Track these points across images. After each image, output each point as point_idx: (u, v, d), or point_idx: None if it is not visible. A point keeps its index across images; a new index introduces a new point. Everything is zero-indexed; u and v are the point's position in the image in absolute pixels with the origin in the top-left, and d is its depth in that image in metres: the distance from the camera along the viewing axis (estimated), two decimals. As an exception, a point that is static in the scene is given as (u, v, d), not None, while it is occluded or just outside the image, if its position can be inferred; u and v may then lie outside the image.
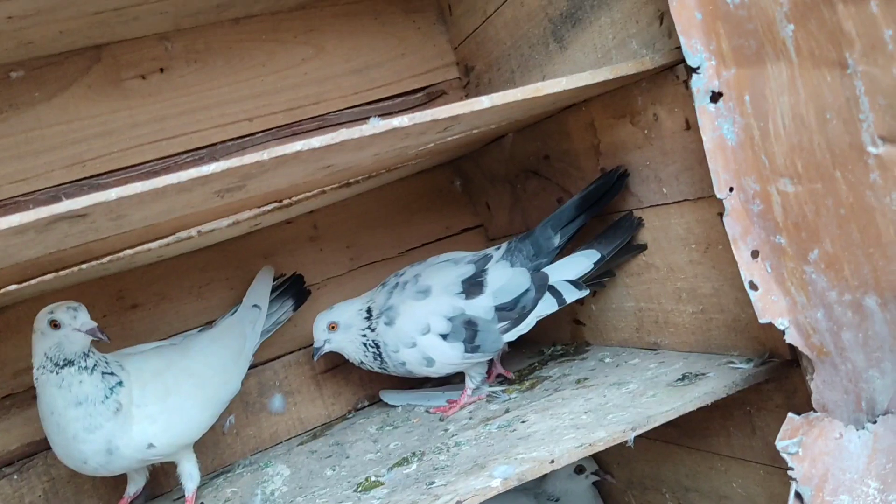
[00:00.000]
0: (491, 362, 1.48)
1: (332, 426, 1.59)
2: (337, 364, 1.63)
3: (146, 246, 1.21)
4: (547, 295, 1.33)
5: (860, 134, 0.82)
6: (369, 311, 1.42)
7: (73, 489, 1.42)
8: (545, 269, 1.35)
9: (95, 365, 1.17)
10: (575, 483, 1.59)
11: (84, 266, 1.19)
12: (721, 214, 1.01)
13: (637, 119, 1.25)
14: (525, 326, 1.34)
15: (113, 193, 0.82)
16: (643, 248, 1.32)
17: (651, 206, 1.29)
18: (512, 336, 1.35)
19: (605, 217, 1.38)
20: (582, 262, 1.33)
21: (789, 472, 0.95)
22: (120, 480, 1.36)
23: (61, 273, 1.20)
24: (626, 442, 1.05)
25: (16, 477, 1.39)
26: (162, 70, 1.53)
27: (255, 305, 1.48)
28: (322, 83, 1.65)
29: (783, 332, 0.98)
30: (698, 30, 0.97)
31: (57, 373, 1.14)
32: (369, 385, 1.67)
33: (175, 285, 1.53)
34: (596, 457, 1.60)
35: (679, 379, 1.17)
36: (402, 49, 1.72)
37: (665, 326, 1.33)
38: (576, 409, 1.19)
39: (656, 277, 1.32)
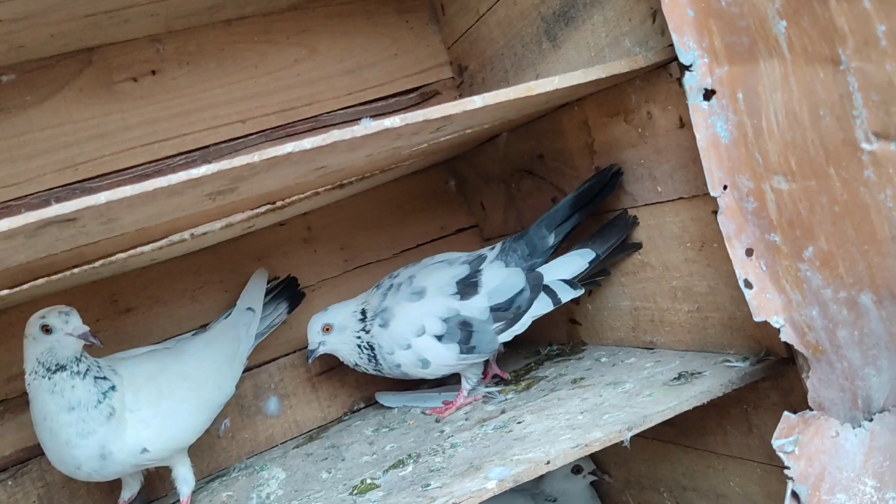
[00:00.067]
0: (487, 363, 1.48)
1: (328, 428, 1.58)
2: (333, 366, 1.63)
3: (138, 249, 1.20)
4: (542, 295, 1.32)
5: (854, 130, 0.81)
6: (364, 312, 1.42)
7: (68, 494, 1.41)
8: (540, 269, 1.34)
9: (88, 369, 1.16)
10: (572, 483, 1.59)
11: (76, 270, 1.19)
12: (716, 212, 1.00)
13: (631, 117, 1.25)
14: (520, 327, 1.34)
15: (102, 197, 0.81)
16: (638, 246, 1.32)
17: (646, 205, 1.28)
18: (507, 336, 1.34)
19: (600, 216, 1.38)
20: (577, 261, 1.33)
21: (786, 471, 0.94)
22: (115, 486, 1.35)
23: (53, 277, 1.19)
24: (622, 442, 1.05)
25: (10, 483, 1.38)
26: (154, 72, 1.53)
27: (249, 308, 1.47)
28: (315, 84, 1.65)
29: (778, 331, 0.98)
30: (691, 27, 0.97)
31: (49, 378, 1.14)
32: (365, 387, 1.66)
33: (169, 289, 1.53)
34: (593, 456, 1.60)
35: (675, 378, 1.17)
36: (395, 49, 1.72)
37: (661, 325, 1.33)
38: (572, 410, 1.18)
39: (652, 276, 1.31)
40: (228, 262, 1.58)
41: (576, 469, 1.57)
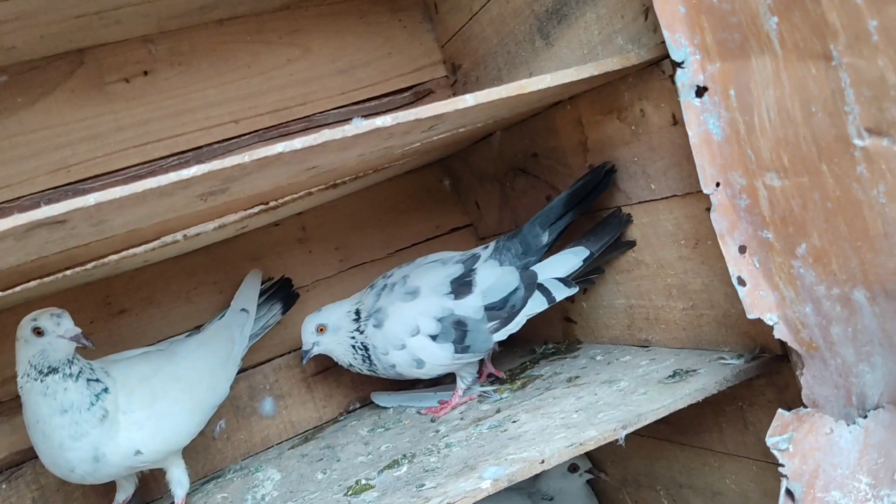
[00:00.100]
0: (482, 362, 1.47)
1: (324, 429, 1.58)
2: (328, 366, 1.62)
3: (131, 251, 1.20)
4: (536, 293, 1.32)
5: (846, 126, 0.81)
6: (358, 313, 1.41)
7: (63, 497, 1.41)
8: (534, 268, 1.34)
9: (80, 372, 1.16)
10: (569, 482, 1.59)
11: (68, 272, 1.18)
12: (709, 209, 1.00)
13: (624, 115, 1.24)
14: (515, 325, 1.33)
15: (91, 199, 0.81)
16: (632, 244, 1.31)
17: (640, 203, 1.28)
18: (502, 335, 1.34)
19: (594, 214, 1.37)
20: (571, 259, 1.32)
21: (780, 469, 0.94)
22: (110, 488, 1.35)
23: (46, 279, 1.19)
24: (617, 440, 1.04)
25: (4, 486, 1.38)
26: (146, 73, 1.52)
27: (243, 309, 1.47)
28: (308, 84, 1.64)
29: (772, 328, 0.97)
30: (682, 24, 0.96)
31: (41, 380, 1.13)
32: (361, 387, 1.66)
33: (163, 290, 1.52)
34: (590, 455, 1.60)
35: (670, 376, 1.16)
36: (388, 48, 1.71)
37: (656, 323, 1.32)
38: (567, 408, 1.18)
39: (646, 274, 1.31)
40: (222, 262, 1.57)
41: (572, 467, 1.57)
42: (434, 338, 1.33)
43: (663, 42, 1.01)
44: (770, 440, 0.96)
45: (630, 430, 1.04)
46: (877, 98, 0.77)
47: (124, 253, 1.19)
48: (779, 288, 0.95)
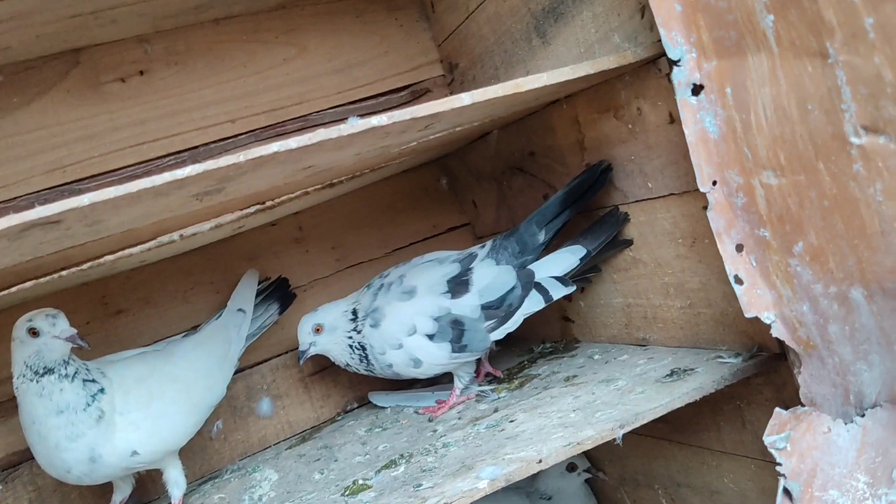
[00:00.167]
0: (479, 361, 1.47)
1: (321, 429, 1.58)
2: (325, 366, 1.62)
3: (127, 251, 1.19)
4: (533, 292, 1.32)
5: (843, 124, 0.81)
6: (355, 312, 1.41)
7: (60, 498, 1.41)
8: (531, 266, 1.34)
9: (76, 372, 1.15)
10: (567, 481, 1.58)
11: (64, 273, 1.18)
12: (706, 208, 1.00)
13: (621, 113, 1.24)
14: (512, 324, 1.33)
15: (86, 199, 0.81)
16: (629, 243, 1.31)
17: (637, 201, 1.28)
18: (499, 335, 1.33)
19: (591, 213, 1.37)
20: (568, 258, 1.32)
21: (777, 468, 0.94)
22: (106, 489, 1.34)
23: (41, 280, 1.19)
24: (614, 440, 1.04)
25: (1, 487, 1.37)
26: (142, 73, 1.52)
27: (239, 309, 1.47)
28: (304, 83, 1.64)
29: (769, 326, 0.97)
30: (678, 22, 0.96)
31: (37, 381, 1.13)
32: (358, 387, 1.65)
33: (159, 290, 1.52)
34: (588, 454, 1.60)
35: (667, 375, 1.16)
36: (384, 47, 1.71)
37: (653, 322, 1.32)
38: (564, 408, 1.18)
39: (644, 273, 1.31)
40: (219, 262, 1.57)
41: (570, 467, 1.57)
42: (431, 337, 1.33)
43: (660, 40, 1.00)
44: (767, 439, 0.96)
45: (628, 429, 1.04)
46: (873, 96, 0.77)
47: (120, 253, 1.19)
48: (776, 286, 0.95)
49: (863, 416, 0.91)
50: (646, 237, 1.28)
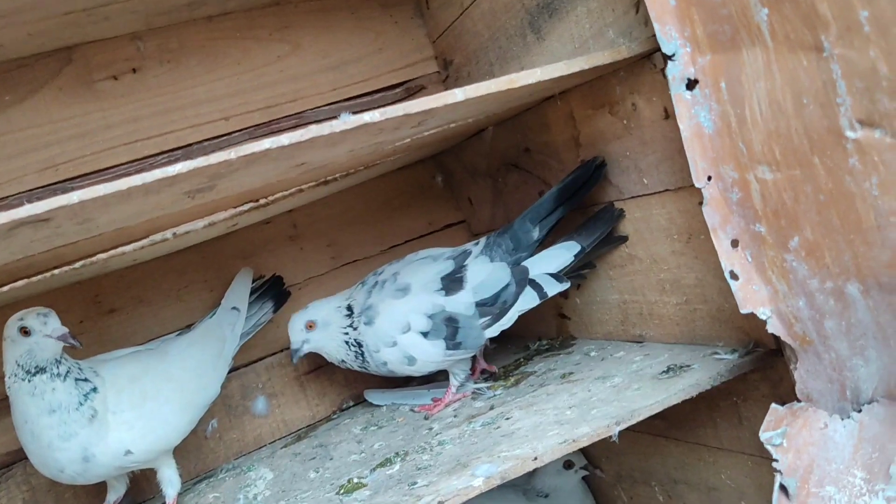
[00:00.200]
0: (474, 358, 1.46)
1: (317, 427, 1.57)
2: (320, 365, 1.61)
3: (119, 250, 1.19)
4: (528, 289, 1.31)
5: (838, 118, 0.80)
6: (350, 308, 1.40)
7: (54, 498, 1.40)
8: (525, 263, 1.33)
9: (68, 371, 1.15)
10: (564, 478, 1.58)
11: (56, 271, 1.17)
12: (702, 203, 0.99)
13: (616, 109, 1.24)
14: (507, 321, 1.33)
15: (75, 196, 0.80)
16: (624, 239, 1.30)
17: (632, 198, 1.27)
18: (494, 332, 1.33)
19: (587, 210, 1.36)
20: (562, 254, 1.31)
21: (774, 464, 0.93)
22: (101, 488, 1.34)
23: (34, 279, 1.18)
24: (610, 437, 1.04)
25: (-5, 487, 1.37)
26: (135, 70, 1.51)
27: (234, 308, 1.46)
28: (299, 80, 1.63)
29: (765, 322, 0.97)
30: (672, 16, 0.96)
31: (29, 380, 1.12)
32: (354, 385, 1.65)
33: (153, 289, 1.51)
34: (585, 451, 1.59)
35: (664, 371, 1.16)
36: (379, 44, 1.70)
37: (650, 318, 1.32)
38: (560, 405, 1.17)
39: (640, 269, 1.30)
40: (213, 261, 1.57)
41: (567, 464, 1.57)
42: (425, 335, 1.32)
43: (654, 35, 1.00)
44: (764, 435, 0.96)
45: (623, 426, 1.04)
46: (868, 89, 0.77)
47: (112, 252, 1.18)
48: (771, 282, 0.94)
49: (859, 411, 0.91)
50: (641, 233, 1.27)
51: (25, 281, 1.17)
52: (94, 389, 1.17)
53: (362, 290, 1.41)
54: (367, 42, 1.69)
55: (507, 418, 1.20)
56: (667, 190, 1.19)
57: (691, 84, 0.96)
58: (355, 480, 1.16)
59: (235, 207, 1.25)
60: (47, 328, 1.11)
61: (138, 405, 1.20)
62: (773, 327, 0.96)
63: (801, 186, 0.86)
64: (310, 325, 1.40)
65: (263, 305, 1.53)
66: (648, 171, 1.21)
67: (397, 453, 1.22)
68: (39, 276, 1.17)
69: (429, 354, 1.33)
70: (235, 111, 1.58)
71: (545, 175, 1.46)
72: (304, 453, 1.41)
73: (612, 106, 1.24)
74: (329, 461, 1.32)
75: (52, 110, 1.45)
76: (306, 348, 1.42)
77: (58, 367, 1.14)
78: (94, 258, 1.17)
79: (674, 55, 0.97)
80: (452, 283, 1.34)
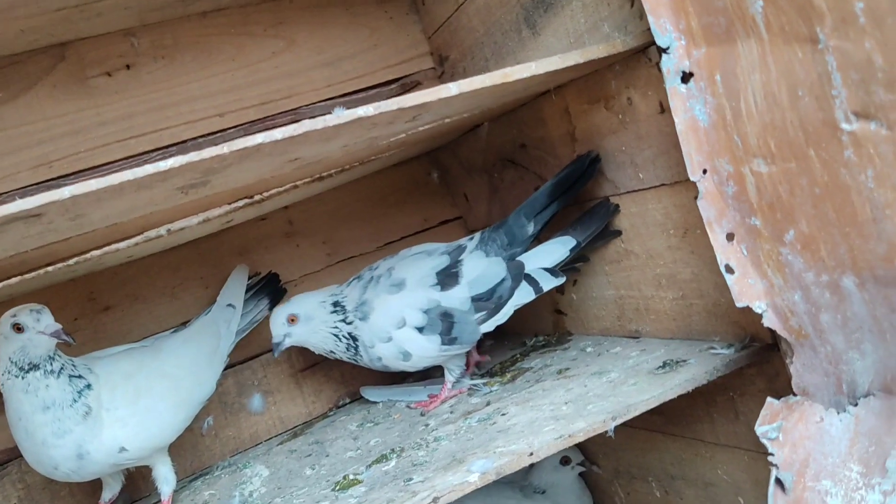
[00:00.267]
0: (468, 353, 1.46)
1: (313, 424, 1.57)
2: (317, 362, 1.61)
3: (113, 246, 1.18)
4: (523, 284, 1.31)
5: (833, 111, 0.80)
6: (336, 304, 1.39)
7: (49, 496, 1.39)
8: (521, 258, 1.33)
9: (62, 368, 1.14)
10: (561, 474, 1.58)
11: (50, 268, 1.17)
12: (697, 198, 0.99)
13: (611, 104, 1.23)
14: (502, 316, 1.32)
15: (66, 192, 0.80)
16: (618, 233, 1.30)
17: (628, 193, 1.27)
18: (489, 326, 1.33)
19: (582, 205, 1.36)
20: (558, 249, 1.31)
21: (769, 458, 0.93)
22: (97, 486, 1.34)
23: (27, 276, 1.18)
24: (606, 432, 1.03)
25: (-11, 485, 1.36)
26: (129, 67, 1.50)
27: (229, 305, 1.45)
28: (294, 76, 1.62)
29: (761, 316, 0.96)
30: (667, 9, 0.95)
31: (22, 377, 1.12)
32: (350, 382, 1.64)
33: (148, 286, 1.51)
34: (582, 447, 1.59)
35: (660, 366, 1.16)
36: (374, 40, 1.70)
37: (646, 314, 1.31)
38: (556, 400, 1.17)
39: (636, 264, 1.30)
40: (209, 257, 1.56)
41: (564, 460, 1.56)
42: (421, 330, 1.32)
43: (649, 29, 1.00)
44: (759, 429, 0.96)
45: (619, 421, 1.03)
46: (864, 81, 0.76)
47: (106, 248, 1.17)
48: (767, 275, 0.94)
49: (855, 405, 0.91)
50: (637, 228, 1.27)
51: (19, 278, 1.17)
52: (89, 386, 1.16)
53: (357, 285, 1.40)
54: (362, 38, 1.69)
55: (503, 414, 1.19)
56: (662, 185, 1.19)
57: (686, 77, 0.96)
58: (351, 477, 1.16)
59: (230, 204, 1.24)
60: (40, 325, 1.11)
61: (133, 402, 1.19)
62: (769, 321, 0.96)
63: (796, 179, 0.86)
64: (291, 319, 1.39)
65: (259, 302, 1.52)
66: (644, 166, 1.21)
67: (393, 450, 1.22)
68: (33, 274, 1.17)
69: (424, 349, 1.32)
70: (230, 108, 1.57)
71: (541, 171, 1.46)
72: (301, 450, 1.41)
73: (607, 101, 1.24)
74: (325, 458, 1.31)
75: (45, 107, 1.44)
76: (288, 342, 1.40)
77: (51, 364, 1.13)
78: (87, 255, 1.17)
79: (668, 48, 0.96)
80: (448, 278, 1.33)
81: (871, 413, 0.89)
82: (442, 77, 1.72)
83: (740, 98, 0.90)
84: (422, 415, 1.36)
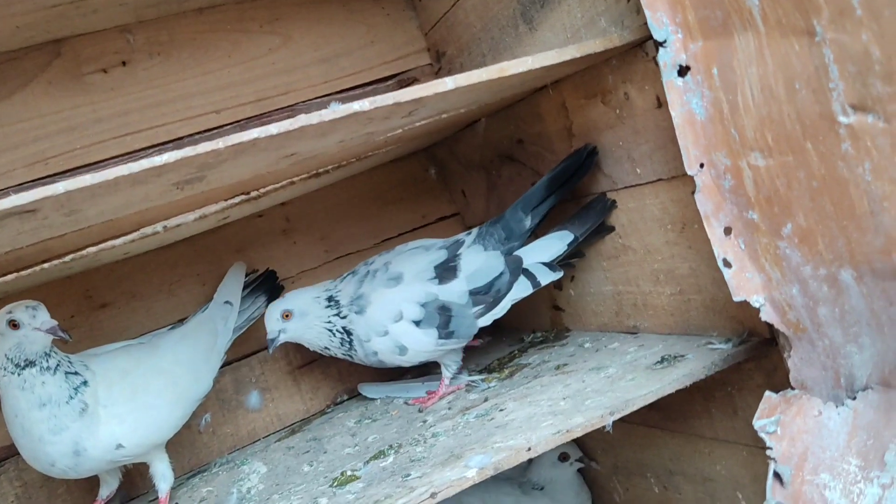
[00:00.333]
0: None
1: (311, 421, 1.57)
2: (314, 359, 1.61)
3: (109, 243, 1.18)
4: (521, 278, 1.31)
5: (830, 103, 0.80)
6: (330, 299, 1.38)
7: (47, 493, 1.39)
8: (519, 252, 1.32)
9: (58, 365, 1.14)
10: (560, 471, 1.58)
11: (46, 265, 1.17)
12: (694, 192, 0.99)
13: (608, 98, 1.23)
14: (500, 310, 1.32)
15: (61, 187, 0.79)
16: (611, 229, 1.30)
17: (625, 188, 1.26)
18: (486, 321, 1.32)
19: (580, 201, 1.36)
20: (555, 243, 1.31)
21: (768, 452, 0.93)
22: (94, 484, 1.33)
23: (23, 273, 1.17)
24: (604, 427, 1.03)
25: (-14, 483, 1.36)
26: (124, 63, 1.50)
27: (226, 302, 1.45)
28: (290, 73, 1.62)
29: (759, 310, 0.96)
30: (663, 3, 0.95)
31: (19, 374, 1.11)
32: (348, 379, 1.64)
33: (145, 283, 1.50)
34: (580, 443, 1.59)
35: (658, 362, 1.15)
36: (371, 36, 1.69)
37: (644, 309, 1.31)
38: (554, 396, 1.17)
39: (633, 259, 1.30)
40: (206, 254, 1.56)
41: (563, 457, 1.56)
42: (418, 323, 1.31)
43: (646, 23, 0.99)
44: (757, 423, 0.95)
45: (617, 416, 1.03)
46: (861, 74, 0.76)
47: (102, 245, 1.17)
48: (765, 269, 0.94)
49: (854, 398, 0.90)
50: (635, 223, 1.27)
51: (14, 275, 1.16)
52: (85, 383, 1.16)
53: (352, 279, 1.40)
54: (359, 34, 1.68)
55: (501, 410, 1.19)
56: (660, 179, 1.19)
57: (683, 71, 0.95)
58: (349, 473, 1.16)
59: (226, 200, 1.24)
60: (36, 321, 1.10)
61: (129, 399, 1.19)
62: (767, 315, 0.96)
63: (793, 172, 0.86)
64: (286, 315, 1.38)
65: (257, 299, 1.52)
66: (641, 161, 1.21)
67: (391, 446, 1.21)
68: (29, 271, 1.16)
69: (421, 343, 1.32)
70: (226, 104, 1.56)
71: (539, 166, 1.46)
72: (298, 447, 1.41)
73: (604, 95, 1.23)
74: (323, 454, 1.31)
75: (41, 104, 1.43)
76: (283, 338, 1.40)
77: (47, 361, 1.13)
78: (83, 251, 1.16)
79: (665, 42, 0.96)
80: (446, 271, 1.33)
81: (870, 406, 0.89)
82: (439, 73, 1.72)
83: (737, 91, 0.89)
84: (420, 411, 1.36)
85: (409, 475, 1.05)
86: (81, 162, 1.45)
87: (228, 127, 1.56)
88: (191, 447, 1.50)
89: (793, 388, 0.97)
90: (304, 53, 1.64)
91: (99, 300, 1.47)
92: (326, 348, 1.40)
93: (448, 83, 0.98)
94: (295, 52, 1.63)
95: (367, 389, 1.59)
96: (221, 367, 1.42)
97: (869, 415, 0.89)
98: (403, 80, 1.71)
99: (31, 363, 1.12)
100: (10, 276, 1.15)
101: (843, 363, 0.90)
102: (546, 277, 1.31)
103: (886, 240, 0.79)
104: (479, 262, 1.33)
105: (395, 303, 1.33)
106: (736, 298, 0.97)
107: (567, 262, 1.36)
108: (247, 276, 1.53)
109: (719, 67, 0.91)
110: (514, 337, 1.63)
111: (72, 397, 1.13)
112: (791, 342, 0.95)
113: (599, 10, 1.18)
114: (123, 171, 0.81)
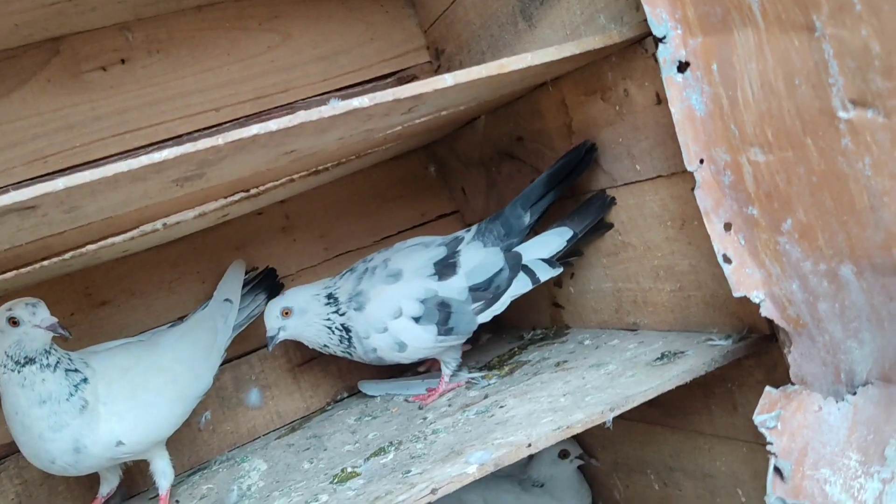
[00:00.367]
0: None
1: (311, 419, 1.57)
2: (314, 356, 1.61)
3: (109, 240, 1.18)
4: (521, 274, 1.31)
5: (830, 99, 0.80)
6: (329, 296, 1.38)
7: (47, 491, 1.39)
8: (518, 248, 1.32)
9: (58, 362, 1.14)
10: (560, 468, 1.58)
11: (45, 263, 1.16)
12: (694, 188, 0.99)
13: (608, 95, 1.23)
14: (499, 306, 1.32)
15: (60, 183, 0.79)
16: (610, 226, 1.30)
17: (625, 184, 1.26)
18: (486, 317, 1.32)
19: (579, 198, 1.36)
20: (555, 240, 1.31)
21: (768, 447, 0.93)
22: (95, 481, 1.33)
23: (22, 270, 1.17)
24: (604, 423, 1.03)
25: (-13, 481, 1.36)
26: (123, 61, 1.50)
27: (226, 300, 1.45)
28: (289, 71, 1.62)
29: (759, 306, 0.96)
30: (663, -2, 0.95)
31: (18, 371, 1.11)
32: (348, 376, 1.64)
33: (144, 280, 1.50)
34: (580, 440, 1.59)
35: (658, 358, 1.15)
36: (370, 34, 1.69)
37: (644, 306, 1.31)
38: (554, 393, 1.17)
39: (633, 256, 1.30)
40: (206, 252, 1.56)
41: (563, 454, 1.56)
42: (417, 320, 1.31)
43: (646, 20, 0.99)
44: (758, 418, 0.95)
45: (617, 412, 1.03)
46: (861, 69, 0.76)
47: (102, 242, 1.17)
48: (765, 265, 0.94)
49: (854, 394, 0.90)
50: (635, 220, 1.27)
51: (14, 273, 1.16)
52: (85, 380, 1.16)
53: (351, 276, 1.40)
54: (358, 32, 1.68)
55: (501, 406, 1.19)
56: (659, 176, 1.18)
57: (682, 67, 0.95)
58: (349, 470, 1.16)
59: (226, 197, 1.24)
60: (36, 318, 1.10)
61: (129, 396, 1.19)
62: (767, 310, 0.96)
63: (793, 168, 0.86)
64: (286, 313, 1.38)
65: (256, 297, 1.52)
66: (641, 158, 1.21)
67: (391, 443, 1.21)
68: (28, 268, 1.16)
69: (420, 340, 1.32)
70: (225, 102, 1.56)
71: (538, 164, 1.46)
72: (298, 444, 1.41)
73: (604, 92, 1.23)
74: (323, 452, 1.31)
75: (40, 102, 1.43)
76: (282, 335, 1.39)
77: (47, 358, 1.13)
78: (83, 249, 1.16)
79: (665, 38, 0.96)
80: (445, 268, 1.33)
81: (870, 402, 0.89)
82: (438, 70, 1.72)
83: (737, 87, 0.89)
84: (420, 408, 1.36)
85: (409, 471, 1.05)
86: (80, 160, 1.44)
87: (228, 125, 1.56)
88: (191, 445, 1.50)
89: (793, 384, 0.97)
90: (304, 51, 1.64)
91: (99, 298, 1.47)
92: (325, 346, 1.40)
93: (447, 80, 0.98)
94: (294, 50, 1.63)
95: (367, 387, 1.59)
96: (221, 364, 1.42)
97: (869, 410, 0.89)
98: (403, 77, 1.71)
99: (31, 360, 1.12)
100: (9, 274, 1.15)
101: (843, 358, 0.90)
102: (545, 274, 1.31)
103: (886, 235, 0.79)
104: (478, 258, 1.33)
105: (394, 299, 1.33)
106: (736, 294, 0.97)
107: (566, 260, 1.36)
108: (246, 273, 1.53)
109: (719, 63, 0.91)
110: (513, 334, 1.64)
111: (72, 394, 1.13)
112: (791, 338, 0.95)
113: (599, 7, 1.18)
114: (123, 167, 0.81)
